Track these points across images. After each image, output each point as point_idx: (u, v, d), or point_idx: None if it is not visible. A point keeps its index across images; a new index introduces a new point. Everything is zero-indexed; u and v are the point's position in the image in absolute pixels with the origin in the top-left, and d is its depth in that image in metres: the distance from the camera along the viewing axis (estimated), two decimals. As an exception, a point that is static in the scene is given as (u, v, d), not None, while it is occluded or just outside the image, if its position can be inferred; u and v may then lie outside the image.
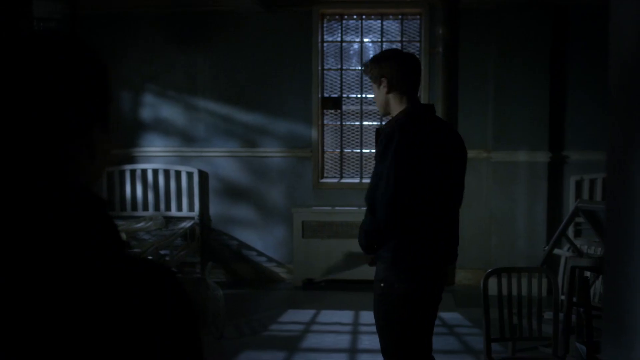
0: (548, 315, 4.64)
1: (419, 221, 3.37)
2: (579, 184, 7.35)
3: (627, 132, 1.33)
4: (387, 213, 3.26)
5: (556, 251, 5.99)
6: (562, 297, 4.79)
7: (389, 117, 3.56)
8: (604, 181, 7.24)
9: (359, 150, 7.88)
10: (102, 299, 0.95)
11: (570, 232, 6.79)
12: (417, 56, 7.64)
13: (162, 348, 0.99)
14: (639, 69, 1.27)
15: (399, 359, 3.53)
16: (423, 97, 7.62)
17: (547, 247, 5.76)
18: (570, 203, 7.19)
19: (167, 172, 7.85)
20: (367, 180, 7.28)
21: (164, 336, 0.99)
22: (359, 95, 7.88)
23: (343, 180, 7.81)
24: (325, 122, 7.91)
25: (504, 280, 4.19)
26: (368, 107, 7.81)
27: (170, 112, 7.85)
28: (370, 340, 5.86)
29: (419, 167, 3.31)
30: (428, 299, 3.49)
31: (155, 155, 7.88)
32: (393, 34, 7.85)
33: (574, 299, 4.44)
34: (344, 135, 7.86)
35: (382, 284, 3.43)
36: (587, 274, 4.70)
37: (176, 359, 1.01)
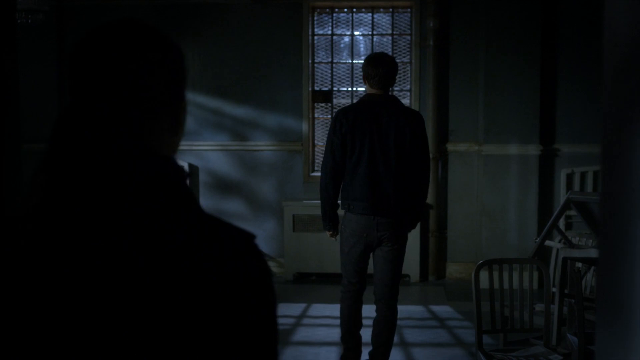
0: (539, 307, 4.63)
1: (352, 182, 4.43)
2: (569, 177, 7.35)
3: (621, 124, 1.32)
4: (321, 178, 4.56)
5: (547, 243, 5.98)
6: (554, 289, 4.79)
7: None
8: (595, 174, 7.26)
9: (349, 144, 7.86)
10: (210, 244, 1.10)
11: (561, 224, 6.79)
12: (409, 49, 7.62)
13: (250, 292, 1.11)
14: (634, 59, 1.25)
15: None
16: (414, 90, 7.61)
17: (538, 239, 5.76)
18: (561, 196, 7.19)
19: (156, 166, 7.81)
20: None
21: (253, 282, 1.12)
22: (349, 89, 7.86)
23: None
24: (315, 115, 7.88)
25: (495, 272, 4.18)
26: (359, 100, 7.79)
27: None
28: (363, 333, 5.85)
29: (349, 139, 4.39)
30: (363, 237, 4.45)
31: (144, 149, 7.83)
32: (384, 27, 7.83)
33: (566, 291, 4.44)
34: (334, 128, 7.84)
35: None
36: (579, 265, 4.70)
37: (258, 303, 1.13)
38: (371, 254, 4.56)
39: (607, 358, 1.35)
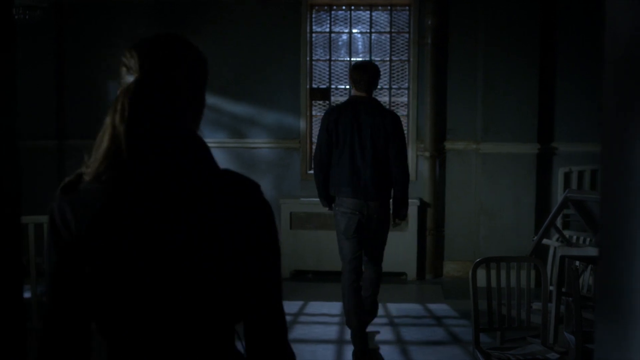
0: (537, 305, 4.63)
1: (337, 170, 5.21)
2: (567, 176, 7.35)
3: (621, 122, 1.31)
4: (313, 167, 5.40)
5: (545, 241, 5.98)
6: (551, 287, 4.79)
7: None
8: (593, 173, 7.27)
9: (347, 142, 7.88)
10: (238, 193, 1.66)
11: (559, 222, 6.79)
12: (407, 47, 7.63)
13: (263, 234, 1.67)
14: (635, 58, 1.25)
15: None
16: (412, 88, 7.61)
17: (536, 237, 5.76)
18: (559, 195, 7.19)
19: (154, 163, 7.80)
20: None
21: (266, 227, 1.67)
22: (347, 87, 7.85)
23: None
24: (313, 113, 7.88)
25: (493, 271, 4.18)
26: (357, 98, 7.78)
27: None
28: (368, 329, 5.85)
29: (334, 135, 5.19)
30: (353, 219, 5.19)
31: (142, 146, 7.82)
32: (382, 25, 7.82)
33: (563, 289, 4.44)
34: (332, 126, 7.85)
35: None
36: (577, 263, 4.70)
37: (271, 245, 1.69)
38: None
39: (606, 354, 1.35)
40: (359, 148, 5.16)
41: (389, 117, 5.24)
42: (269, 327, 1.71)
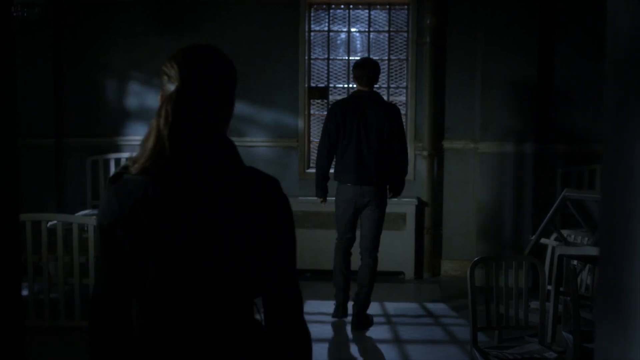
0: (534, 304, 4.64)
1: (343, 159, 5.74)
2: (565, 176, 7.35)
3: (623, 122, 1.31)
4: (317, 155, 5.94)
5: (543, 240, 5.98)
6: (549, 287, 4.79)
7: None
8: (591, 173, 7.27)
9: (345, 141, 7.88)
10: (264, 189, 1.99)
11: (556, 222, 6.79)
12: (405, 46, 7.63)
13: (282, 223, 2.00)
14: (636, 57, 1.25)
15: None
16: (410, 87, 7.61)
17: (534, 237, 5.76)
18: (557, 195, 7.18)
19: (152, 161, 7.78)
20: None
21: (283, 217, 2.01)
22: (345, 85, 7.84)
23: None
24: (311, 112, 7.88)
25: (491, 269, 4.18)
26: (355, 97, 7.77)
27: (156, 100, 7.71)
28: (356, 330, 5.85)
29: (341, 126, 5.71)
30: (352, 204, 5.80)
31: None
32: (380, 24, 7.82)
33: (561, 288, 4.44)
34: (330, 125, 7.85)
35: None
36: (574, 262, 4.70)
37: (288, 233, 2.02)
38: (359, 216, 5.86)
39: (606, 354, 1.35)
40: (365, 139, 5.68)
41: (392, 110, 5.81)
42: (286, 302, 2.00)
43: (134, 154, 1.95)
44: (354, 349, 5.57)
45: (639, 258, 1.23)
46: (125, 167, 1.94)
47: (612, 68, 1.32)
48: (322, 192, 5.91)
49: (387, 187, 5.86)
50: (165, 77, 1.99)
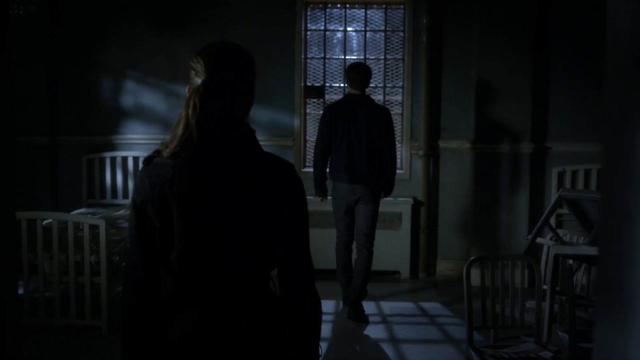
0: (530, 304, 4.64)
1: (336, 159, 6.08)
2: (560, 175, 7.37)
3: (622, 122, 1.31)
4: (314, 156, 6.24)
5: (539, 240, 5.99)
6: (544, 286, 4.80)
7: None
8: (586, 172, 7.29)
9: (341, 140, 7.88)
10: (279, 172, 2.21)
11: (552, 222, 6.80)
12: (401, 46, 7.63)
13: (295, 203, 2.21)
14: (636, 57, 1.25)
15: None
16: (406, 87, 7.61)
17: (530, 236, 5.77)
18: (552, 194, 7.20)
19: (147, 160, 7.77)
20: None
21: (297, 197, 2.22)
22: (341, 85, 7.84)
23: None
24: (308, 111, 7.87)
25: (487, 269, 4.18)
26: (351, 96, 7.77)
27: (152, 99, 7.78)
28: (354, 329, 5.85)
29: (333, 128, 6.04)
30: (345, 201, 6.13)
31: (136, 143, 7.81)
32: (377, 23, 7.82)
33: (557, 288, 4.45)
34: (326, 124, 7.84)
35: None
36: (570, 262, 4.71)
37: (301, 212, 2.24)
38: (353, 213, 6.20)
39: (605, 353, 1.35)
40: (356, 139, 5.99)
41: (381, 112, 6.09)
42: (300, 273, 2.24)
43: (166, 139, 2.19)
44: (351, 349, 5.57)
45: (638, 257, 1.23)
46: (158, 151, 2.19)
47: (612, 67, 1.32)
48: (321, 192, 6.24)
49: (379, 185, 6.13)
50: (193, 72, 2.23)
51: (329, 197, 6.31)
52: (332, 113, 6.09)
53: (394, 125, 6.30)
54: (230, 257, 2.16)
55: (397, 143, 6.98)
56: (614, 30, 1.30)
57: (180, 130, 2.14)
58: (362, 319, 6.01)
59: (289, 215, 2.20)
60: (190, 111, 2.13)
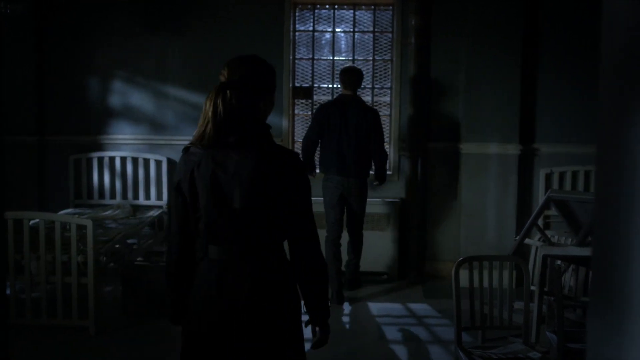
0: (518, 304, 4.65)
1: (327, 154, 6.62)
2: (548, 177, 7.40)
3: (617, 123, 1.32)
4: (302, 145, 6.75)
5: (527, 241, 6.02)
6: (533, 287, 4.81)
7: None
8: (574, 174, 7.32)
9: (329, 141, 7.89)
10: (285, 160, 2.70)
11: (540, 223, 6.83)
12: (390, 47, 7.64)
13: (299, 185, 2.70)
14: (632, 58, 1.25)
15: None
16: (395, 87, 7.62)
17: (518, 237, 5.78)
18: (540, 195, 7.23)
19: (135, 160, 7.75)
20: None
21: (300, 180, 2.71)
22: (330, 86, 7.84)
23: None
24: (296, 112, 7.86)
25: (475, 270, 4.19)
26: (339, 97, 7.77)
27: (139, 99, 7.75)
28: (350, 329, 5.85)
29: (324, 126, 6.58)
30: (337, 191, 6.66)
31: (123, 143, 7.78)
32: (365, 24, 7.82)
33: (545, 289, 4.46)
34: (314, 125, 7.85)
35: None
36: (559, 263, 4.72)
37: (304, 192, 2.72)
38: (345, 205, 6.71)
39: (598, 351, 1.35)
40: (345, 137, 6.52)
41: (370, 113, 6.65)
42: (307, 239, 2.74)
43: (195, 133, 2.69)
44: (339, 349, 5.57)
45: (632, 258, 1.24)
46: (192, 142, 2.69)
47: (608, 68, 1.32)
48: (310, 169, 6.77)
49: (367, 178, 6.73)
50: (221, 77, 2.74)
51: (318, 179, 6.85)
52: (324, 112, 6.60)
53: (382, 125, 6.78)
54: (245, 227, 2.63)
55: (385, 144, 7.01)
56: (610, 30, 1.30)
57: (202, 124, 2.63)
58: (359, 284, 7.03)
59: (295, 194, 2.68)
60: (210, 108, 2.60)
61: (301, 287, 2.79)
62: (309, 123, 6.94)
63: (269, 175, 2.62)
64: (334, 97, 7.60)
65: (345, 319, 6.24)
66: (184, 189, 2.68)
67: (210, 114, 2.59)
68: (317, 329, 2.88)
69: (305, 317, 2.88)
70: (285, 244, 2.80)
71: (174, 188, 2.72)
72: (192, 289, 2.76)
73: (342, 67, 7.12)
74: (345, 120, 6.53)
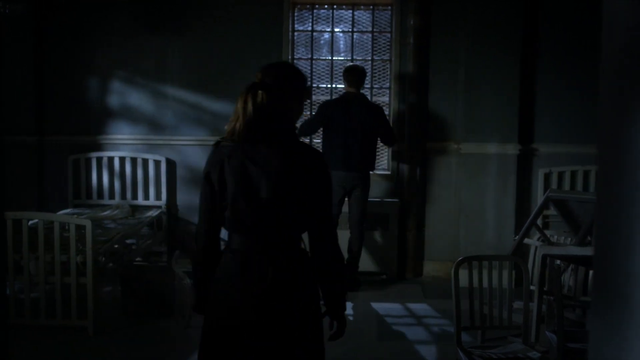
0: (518, 304, 4.65)
1: (333, 149, 6.81)
2: (547, 177, 7.40)
3: (618, 122, 1.32)
4: (300, 129, 6.83)
5: (526, 241, 6.02)
6: (532, 287, 4.81)
7: None
8: (572, 174, 7.32)
9: (328, 141, 7.91)
10: (310, 157, 2.90)
11: (539, 223, 6.83)
12: (389, 47, 7.66)
13: (322, 181, 2.88)
14: (633, 58, 1.25)
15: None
16: (394, 87, 7.62)
17: (517, 237, 5.78)
18: (539, 195, 7.23)
19: (134, 160, 7.75)
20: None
21: (323, 177, 2.89)
22: (329, 85, 7.84)
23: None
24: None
25: (475, 270, 4.19)
26: (338, 97, 7.77)
27: (138, 99, 7.74)
28: (349, 328, 5.84)
29: (325, 122, 6.85)
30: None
31: (122, 143, 7.77)
32: (364, 24, 7.82)
33: (545, 288, 4.46)
34: (313, 125, 7.85)
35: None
36: (558, 262, 4.72)
37: (327, 188, 2.90)
38: (346, 198, 6.96)
39: (599, 352, 1.35)
40: (351, 132, 6.75)
41: (374, 108, 6.95)
42: (326, 232, 2.91)
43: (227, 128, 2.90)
44: (338, 349, 5.56)
45: (633, 258, 1.24)
46: (223, 137, 2.89)
47: (609, 68, 1.32)
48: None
49: (371, 172, 6.97)
50: (256, 80, 2.92)
51: None
52: (329, 107, 6.87)
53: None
54: (269, 217, 2.81)
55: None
56: (611, 30, 1.30)
57: (233, 120, 2.84)
58: (358, 285, 7.03)
59: (318, 189, 2.85)
60: (239, 104, 2.81)
61: (319, 279, 2.94)
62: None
63: (295, 170, 2.81)
64: (335, 95, 7.71)
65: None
66: (213, 179, 2.85)
67: (240, 110, 2.80)
68: (335, 322, 3.03)
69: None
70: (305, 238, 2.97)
71: (203, 178, 2.90)
72: (215, 277, 2.91)
73: (344, 66, 7.33)
74: (350, 116, 6.75)
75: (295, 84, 2.99)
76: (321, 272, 2.93)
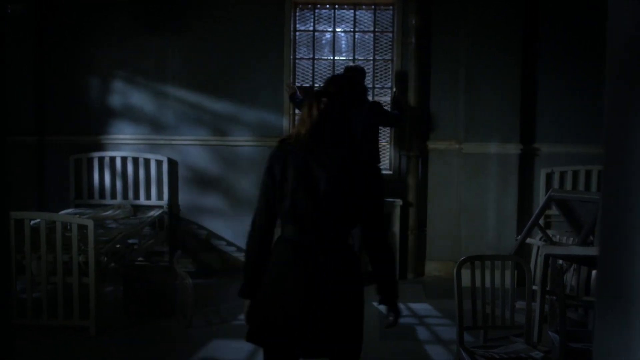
0: (520, 304, 4.65)
1: None
2: (549, 176, 7.39)
3: (623, 123, 1.31)
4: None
5: (528, 240, 6.01)
6: (535, 287, 4.81)
7: None
8: (574, 173, 7.32)
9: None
10: (364, 158, 3.41)
11: (541, 222, 6.82)
12: (390, 47, 7.67)
13: (375, 181, 3.24)
14: (637, 54, 1.25)
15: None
16: (394, 87, 7.61)
17: (520, 237, 5.78)
18: (541, 195, 7.23)
19: (136, 160, 7.74)
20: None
21: (376, 178, 3.38)
22: (330, 85, 7.84)
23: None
24: (296, 111, 7.86)
25: (477, 270, 4.19)
26: (340, 97, 7.78)
27: (140, 99, 7.74)
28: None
29: None
30: None
31: (124, 143, 7.77)
32: (366, 24, 7.82)
33: (547, 288, 4.45)
34: (315, 124, 7.85)
35: None
36: (560, 262, 4.72)
37: (379, 187, 3.26)
38: None
39: (604, 351, 1.35)
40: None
41: (374, 105, 7.07)
42: (378, 232, 3.22)
43: (293, 130, 3.27)
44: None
45: (637, 258, 1.24)
46: (288, 136, 3.19)
47: (613, 69, 1.32)
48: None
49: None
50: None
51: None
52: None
53: (382, 124, 7.26)
54: (325, 210, 3.04)
55: (385, 144, 7.19)
56: (615, 30, 1.30)
57: (299, 124, 3.15)
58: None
59: (372, 189, 3.13)
60: (306, 112, 3.14)
61: (373, 270, 3.24)
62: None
63: (352, 169, 3.08)
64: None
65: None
66: (275, 172, 3.09)
67: (306, 117, 3.11)
68: (391, 311, 3.35)
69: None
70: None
71: (264, 172, 3.13)
72: (269, 264, 3.16)
73: (344, 66, 7.36)
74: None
75: (356, 94, 3.42)
76: (376, 262, 3.23)
